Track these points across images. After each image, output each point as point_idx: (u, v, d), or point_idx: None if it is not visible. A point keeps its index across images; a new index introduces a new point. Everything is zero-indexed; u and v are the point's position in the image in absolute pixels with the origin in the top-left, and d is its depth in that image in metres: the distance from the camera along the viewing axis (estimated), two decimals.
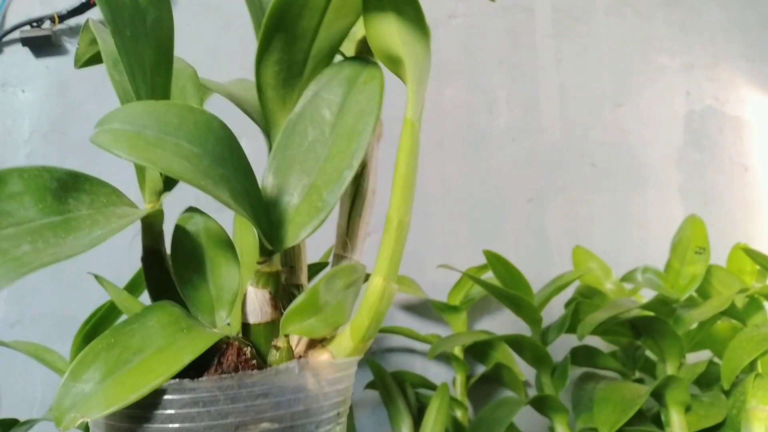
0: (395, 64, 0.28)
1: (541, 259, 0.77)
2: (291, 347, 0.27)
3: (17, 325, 0.63)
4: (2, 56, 0.67)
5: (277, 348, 0.27)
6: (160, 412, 0.23)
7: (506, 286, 0.50)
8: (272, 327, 0.28)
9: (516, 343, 0.49)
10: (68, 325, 0.64)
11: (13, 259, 0.20)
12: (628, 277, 0.56)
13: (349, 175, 0.27)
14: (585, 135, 0.82)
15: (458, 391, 0.64)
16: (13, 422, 0.48)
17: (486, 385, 0.69)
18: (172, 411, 0.23)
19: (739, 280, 0.57)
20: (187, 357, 0.23)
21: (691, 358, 0.59)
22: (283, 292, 0.30)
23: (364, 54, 0.31)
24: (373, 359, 0.62)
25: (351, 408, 0.54)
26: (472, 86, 0.79)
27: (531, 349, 0.49)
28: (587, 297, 0.55)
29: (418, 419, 0.62)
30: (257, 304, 0.28)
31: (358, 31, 0.31)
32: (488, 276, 0.69)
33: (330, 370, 0.27)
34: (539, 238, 0.78)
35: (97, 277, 0.40)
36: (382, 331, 0.69)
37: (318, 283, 0.27)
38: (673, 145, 0.85)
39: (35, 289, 0.65)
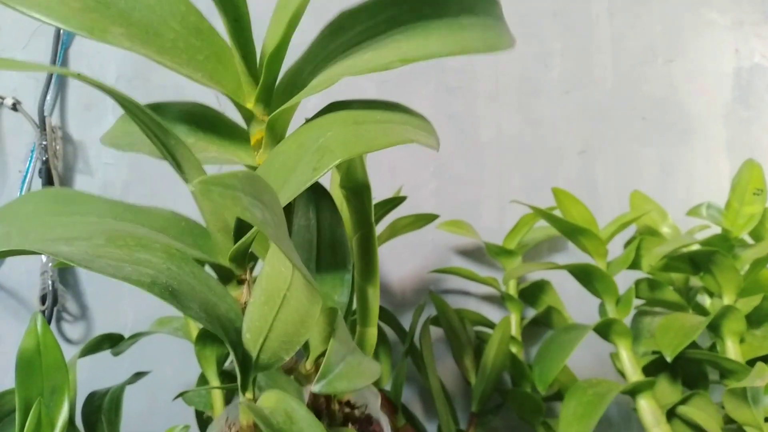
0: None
1: (592, 210, 0.80)
2: None
3: None
4: None
5: None
6: None
7: (574, 221, 0.53)
8: None
9: (584, 272, 0.52)
10: None
11: None
12: (694, 212, 0.58)
13: None
14: (636, 88, 0.83)
15: (514, 329, 0.68)
16: (119, 337, 0.52)
17: (537, 328, 0.73)
18: None
19: None
20: None
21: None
22: None
23: None
24: (436, 295, 0.65)
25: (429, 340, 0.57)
26: (527, 37, 0.81)
27: (598, 278, 0.52)
28: (648, 236, 0.58)
29: (476, 354, 0.65)
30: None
31: None
32: (541, 224, 0.72)
33: None
34: (590, 190, 0.80)
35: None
36: (440, 271, 0.72)
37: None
38: (720, 101, 0.86)
39: None
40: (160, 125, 0.25)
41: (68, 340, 0.67)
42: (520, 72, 0.81)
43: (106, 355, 0.53)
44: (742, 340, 0.54)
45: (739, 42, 0.88)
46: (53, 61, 0.68)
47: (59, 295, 0.65)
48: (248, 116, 0.31)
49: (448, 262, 0.76)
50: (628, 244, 0.61)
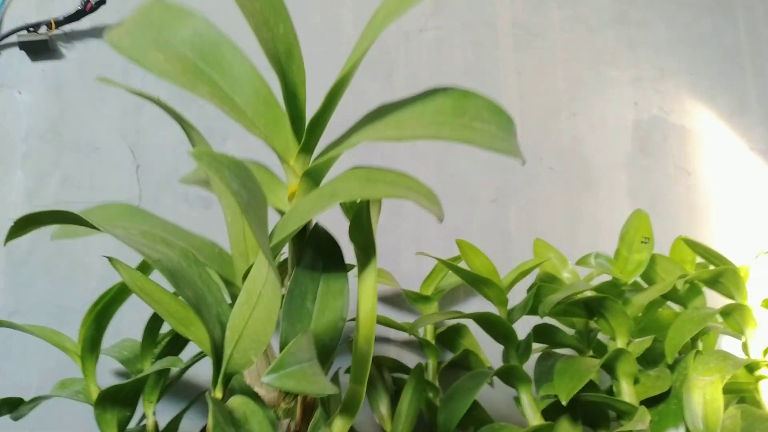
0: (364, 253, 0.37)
1: (504, 255, 0.83)
2: None
3: (15, 314, 0.66)
4: (0, 59, 0.70)
5: None
6: None
7: (476, 272, 0.56)
8: None
9: (486, 321, 0.55)
10: (63, 315, 0.67)
11: None
12: (582, 261, 0.62)
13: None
14: (543, 141, 0.88)
15: (430, 374, 0.69)
16: (19, 401, 0.51)
17: (454, 371, 0.75)
18: None
19: (680, 267, 0.64)
20: None
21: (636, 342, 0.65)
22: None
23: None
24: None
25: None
26: None
27: (499, 326, 0.54)
28: (547, 282, 0.61)
29: (394, 400, 0.66)
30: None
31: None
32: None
33: None
34: (502, 236, 0.84)
35: (110, 259, 0.43)
36: None
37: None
38: (622, 150, 0.92)
39: (31, 281, 0.68)
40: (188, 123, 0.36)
41: None
42: None
43: (6, 419, 0.52)
44: (636, 381, 0.57)
45: (638, 96, 0.95)
46: None
47: None
48: (289, 171, 0.37)
49: None
50: (530, 289, 0.65)
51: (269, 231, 0.33)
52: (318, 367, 0.30)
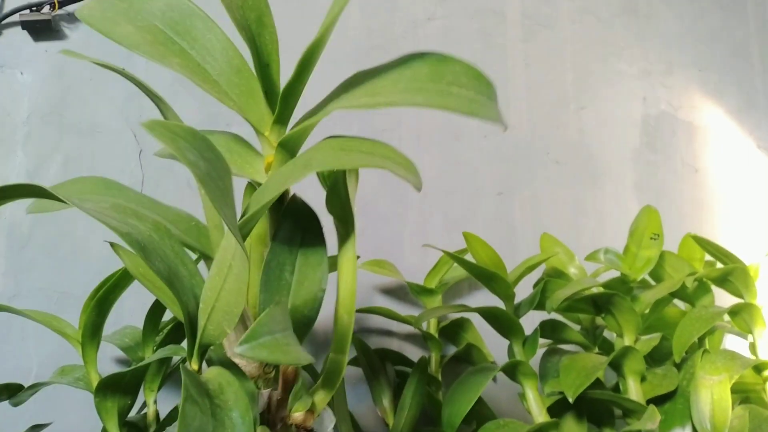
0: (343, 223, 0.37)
1: (509, 248, 0.83)
2: None
3: (15, 298, 0.65)
4: (1, 39, 0.69)
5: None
6: None
7: (483, 265, 0.55)
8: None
9: (492, 315, 0.54)
10: (63, 299, 0.67)
11: None
12: (591, 257, 0.61)
13: None
14: (550, 134, 0.87)
15: (433, 368, 0.69)
16: (18, 387, 0.50)
17: (457, 365, 0.74)
18: None
19: (689, 265, 0.64)
20: None
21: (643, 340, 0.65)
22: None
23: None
24: (357, 336, 0.66)
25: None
26: None
27: (505, 321, 0.53)
28: (554, 277, 0.61)
29: (396, 393, 0.66)
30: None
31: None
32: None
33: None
34: (507, 228, 0.83)
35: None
36: (363, 311, 0.73)
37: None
38: (629, 145, 0.92)
39: (32, 265, 0.67)
40: (158, 96, 0.35)
41: None
42: (442, 117, 0.84)
43: (5, 405, 0.51)
44: (643, 379, 0.57)
45: (647, 91, 0.94)
46: None
47: None
48: (264, 142, 0.36)
49: (371, 302, 0.77)
50: (536, 285, 0.64)
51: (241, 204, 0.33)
52: (293, 337, 0.29)
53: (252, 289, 0.36)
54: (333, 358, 0.36)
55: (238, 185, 0.33)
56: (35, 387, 0.49)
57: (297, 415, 0.35)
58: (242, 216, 0.32)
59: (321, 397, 0.36)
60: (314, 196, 0.38)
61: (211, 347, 0.32)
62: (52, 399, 0.61)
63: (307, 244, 0.36)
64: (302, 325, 0.35)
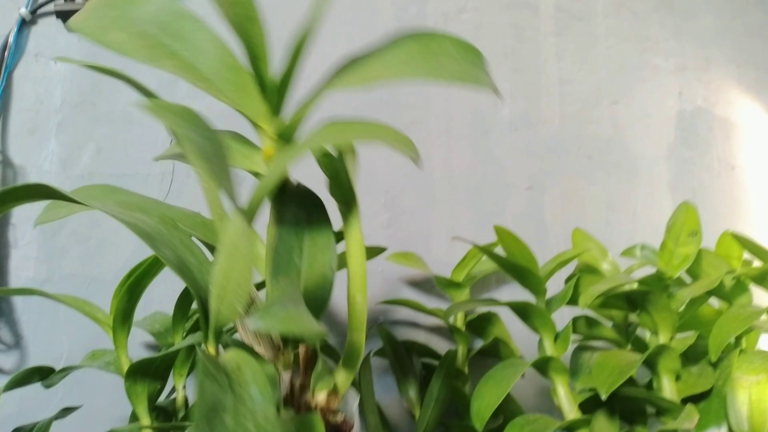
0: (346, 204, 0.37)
1: (538, 244, 0.82)
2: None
3: (46, 283, 0.66)
4: (36, 27, 0.69)
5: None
6: None
7: (514, 259, 0.54)
8: None
9: (522, 309, 0.53)
10: (94, 285, 0.67)
11: None
12: (628, 252, 0.60)
13: None
14: (582, 128, 0.86)
15: (460, 361, 0.68)
16: (50, 370, 0.50)
17: (484, 359, 0.73)
18: None
19: (726, 263, 0.62)
20: None
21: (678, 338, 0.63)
22: None
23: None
24: (384, 327, 0.65)
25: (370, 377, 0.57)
26: None
27: (537, 316, 0.53)
28: (587, 273, 0.59)
29: (422, 386, 0.65)
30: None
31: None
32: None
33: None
34: (536, 224, 0.82)
35: None
36: (389, 303, 0.73)
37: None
38: (664, 142, 0.90)
39: (63, 251, 0.68)
40: (138, 84, 0.37)
41: (0, 370, 0.65)
42: (472, 110, 0.83)
43: (37, 387, 0.51)
44: (678, 378, 0.55)
45: (683, 86, 0.92)
46: None
47: None
48: (262, 134, 0.37)
49: (397, 294, 0.76)
50: (568, 280, 0.63)
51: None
52: (306, 311, 0.29)
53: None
54: (351, 338, 0.36)
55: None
56: (66, 370, 0.49)
57: (320, 397, 0.35)
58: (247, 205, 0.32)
59: (343, 378, 0.36)
60: (316, 188, 0.38)
61: (227, 332, 0.32)
62: (82, 383, 0.61)
63: (313, 227, 0.36)
64: (316, 306, 0.35)
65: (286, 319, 0.26)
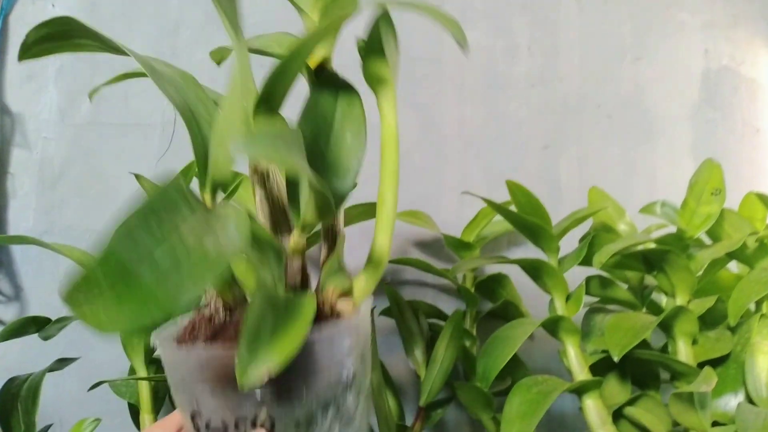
0: (381, 84, 0.34)
1: (553, 205, 0.78)
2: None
3: (46, 234, 0.65)
4: None
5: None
6: None
7: (527, 216, 0.52)
8: None
9: (533, 267, 0.51)
10: (93, 237, 0.66)
11: None
12: (647, 209, 0.57)
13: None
14: (602, 86, 0.82)
15: (468, 323, 0.66)
16: (46, 320, 0.49)
17: (493, 321, 0.71)
18: None
19: (750, 224, 0.59)
20: None
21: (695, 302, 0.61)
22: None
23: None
24: (390, 287, 0.64)
25: (374, 334, 0.56)
26: (495, 30, 0.79)
27: (548, 274, 0.50)
28: (603, 232, 0.57)
29: (429, 346, 0.64)
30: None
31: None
32: (501, 218, 0.70)
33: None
34: (552, 185, 0.79)
35: (137, 176, 0.41)
36: (397, 262, 0.71)
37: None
38: (687, 102, 0.86)
39: (63, 203, 0.66)
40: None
41: (0, 322, 0.64)
42: (487, 65, 0.79)
43: (37, 341, 0.50)
44: (694, 342, 0.53)
45: (709, 43, 0.87)
46: None
47: None
48: (307, 20, 0.34)
49: (405, 253, 0.74)
50: (582, 239, 0.60)
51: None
52: (298, 150, 0.27)
53: None
54: (377, 240, 0.33)
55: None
56: (62, 321, 0.48)
57: (332, 294, 0.32)
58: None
59: (362, 284, 0.32)
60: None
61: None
62: (84, 336, 0.60)
63: (345, 98, 0.34)
64: (337, 194, 0.32)
65: (273, 149, 0.24)
